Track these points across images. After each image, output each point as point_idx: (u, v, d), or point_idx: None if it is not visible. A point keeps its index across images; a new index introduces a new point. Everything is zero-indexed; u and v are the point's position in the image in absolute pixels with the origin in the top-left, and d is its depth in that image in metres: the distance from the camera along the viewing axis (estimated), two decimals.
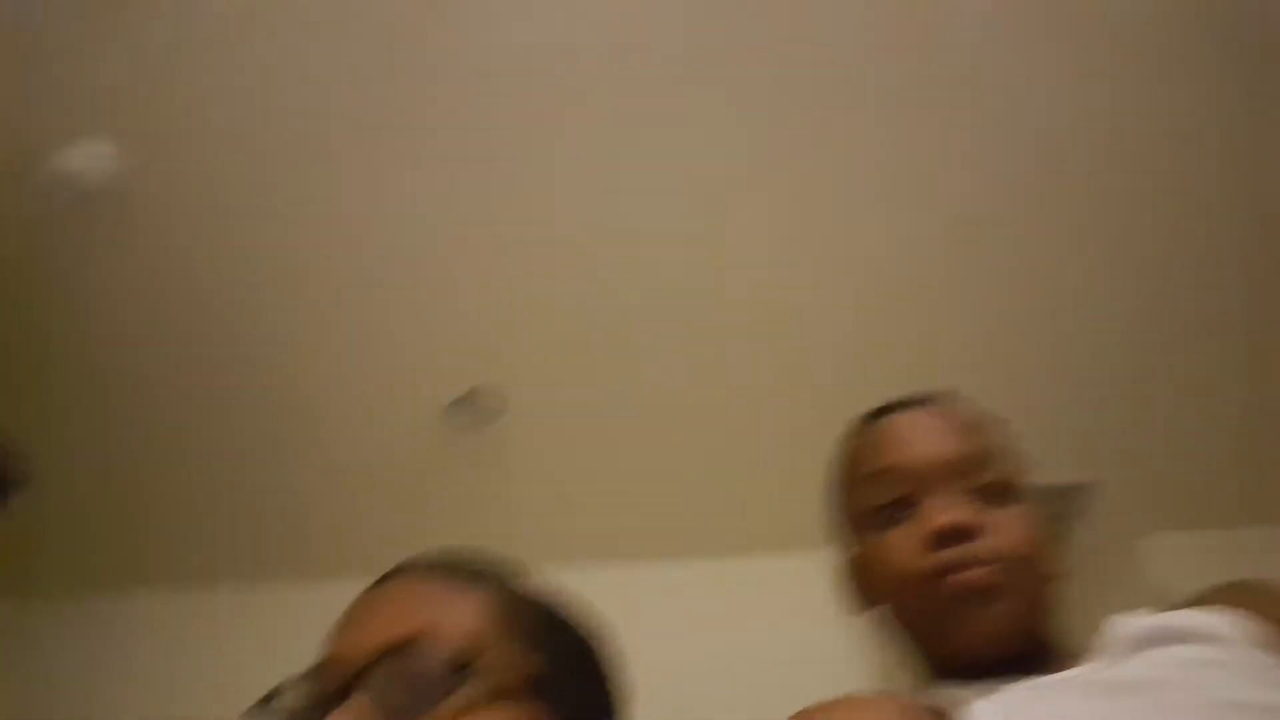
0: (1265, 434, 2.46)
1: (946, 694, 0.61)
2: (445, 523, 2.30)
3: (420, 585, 0.57)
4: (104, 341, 1.82)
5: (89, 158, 1.53)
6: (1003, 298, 2.12)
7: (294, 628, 2.10)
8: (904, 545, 0.66)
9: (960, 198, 1.94)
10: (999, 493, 0.67)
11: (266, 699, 0.54)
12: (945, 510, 0.65)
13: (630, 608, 2.23)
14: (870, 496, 0.70)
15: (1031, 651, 0.63)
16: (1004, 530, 0.65)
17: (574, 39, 1.59)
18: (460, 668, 0.50)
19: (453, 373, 2.04)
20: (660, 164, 1.78)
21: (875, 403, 0.80)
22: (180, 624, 2.16)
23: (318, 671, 0.53)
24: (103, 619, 2.13)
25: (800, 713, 0.63)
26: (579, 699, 0.56)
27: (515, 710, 0.51)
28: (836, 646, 2.28)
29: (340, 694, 0.50)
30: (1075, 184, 1.93)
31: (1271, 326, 2.21)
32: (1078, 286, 2.09)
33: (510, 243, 1.84)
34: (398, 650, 0.51)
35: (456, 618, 0.53)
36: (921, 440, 0.70)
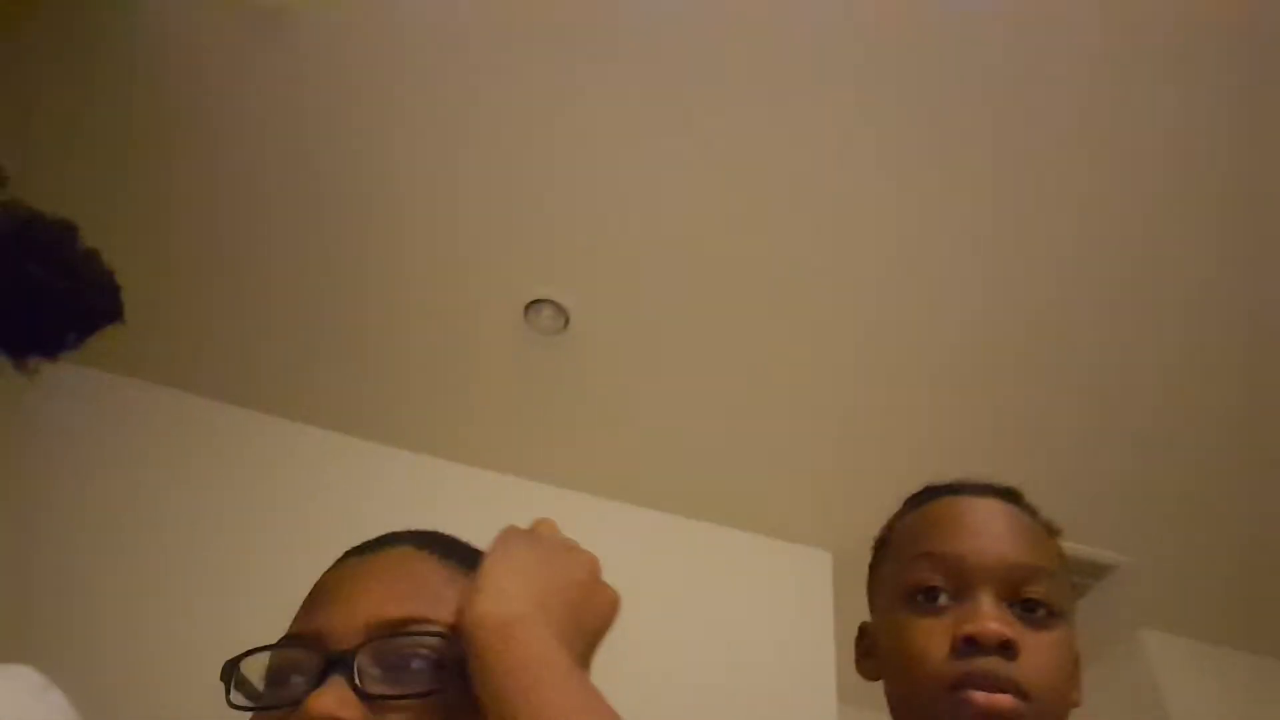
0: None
1: None
2: (507, 419, 2.41)
3: (415, 564, 0.53)
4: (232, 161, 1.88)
5: None
6: (1074, 386, 2.09)
7: (338, 479, 2.29)
8: (933, 637, 0.64)
9: (1058, 281, 1.91)
10: (1043, 613, 0.65)
11: (232, 665, 0.51)
12: (987, 617, 0.63)
13: (635, 552, 2.33)
14: (913, 575, 0.68)
15: None
16: (1040, 656, 0.63)
17: None
18: (453, 658, 0.48)
19: (532, 282, 2.09)
20: (792, 133, 1.75)
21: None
22: (227, 440, 2.29)
23: (294, 642, 0.50)
24: (149, 406, 2.26)
25: None
26: None
27: None
28: (807, 644, 2.34)
29: (319, 671, 0.46)
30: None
31: None
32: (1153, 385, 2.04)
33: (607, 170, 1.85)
34: (388, 633, 0.48)
35: (451, 606, 0.50)
36: (983, 534, 0.68)
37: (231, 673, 0.51)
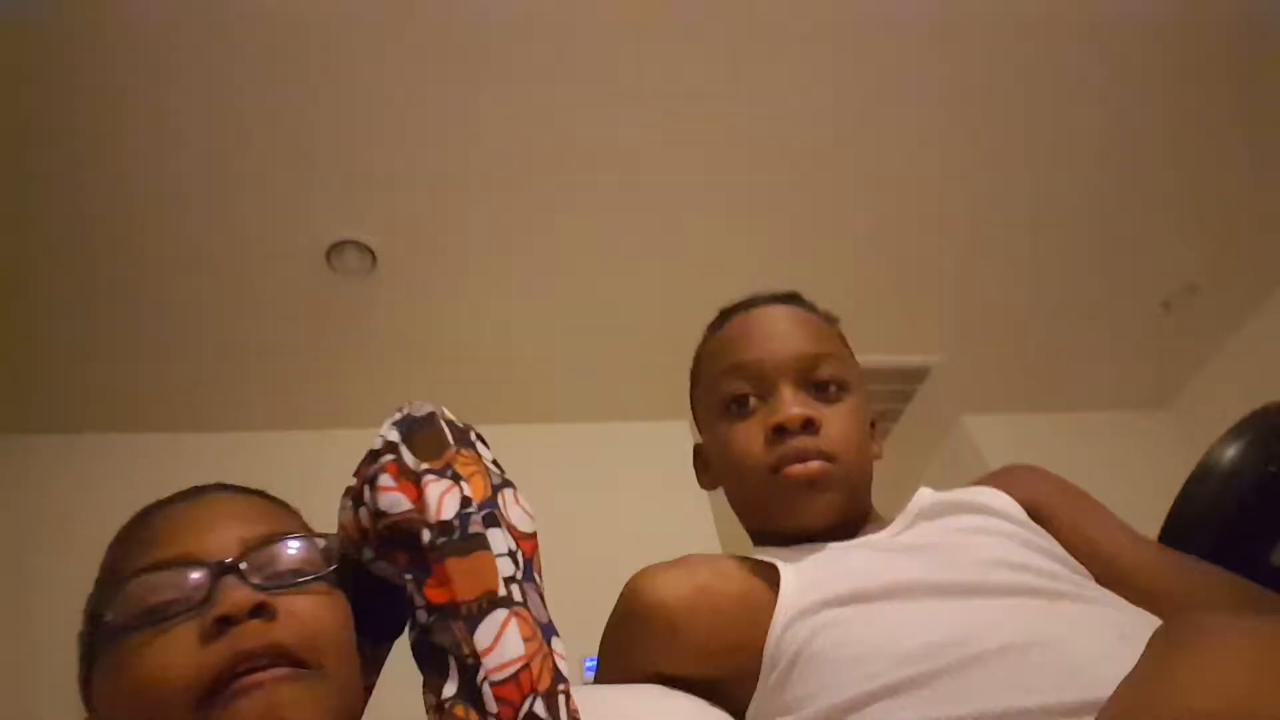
0: (1074, 324, 2.74)
1: (767, 553, 0.71)
2: (324, 370, 2.31)
3: (239, 501, 0.58)
4: None
5: None
6: (860, 183, 2.21)
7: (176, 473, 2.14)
8: (750, 436, 0.73)
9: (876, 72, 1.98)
10: (834, 389, 0.75)
11: (94, 616, 0.52)
12: (789, 405, 0.72)
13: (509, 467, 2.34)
14: (723, 388, 0.77)
15: (846, 523, 0.74)
16: (836, 425, 0.73)
17: None
18: (319, 555, 0.55)
19: (333, 224, 2.00)
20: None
21: (737, 289, 0.86)
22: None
23: (167, 564, 0.52)
24: None
25: (643, 570, 0.72)
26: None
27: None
28: (688, 510, 2.46)
29: (210, 579, 0.50)
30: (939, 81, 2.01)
31: (1109, 219, 2.42)
32: (927, 175, 2.21)
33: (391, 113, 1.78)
34: (259, 545, 0.53)
35: (288, 524, 0.57)
36: (773, 337, 0.77)
37: (97, 622, 0.51)
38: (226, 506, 0.57)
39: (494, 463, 0.62)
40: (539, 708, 0.49)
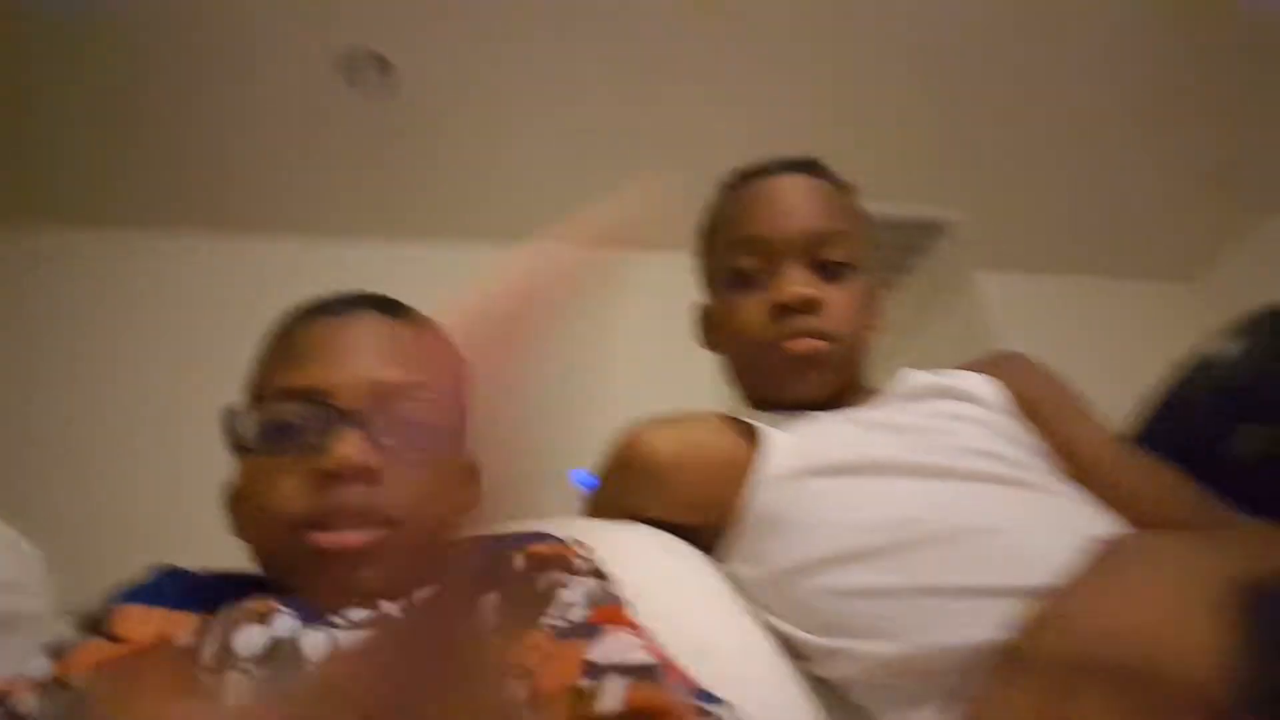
0: (1106, 190, 2.67)
1: (758, 418, 0.76)
2: (343, 179, 2.30)
3: (390, 330, 0.57)
4: None
5: None
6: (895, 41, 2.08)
7: (193, 275, 2.21)
8: (753, 311, 0.75)
9: None
10: (841, 270, 0.76)
11: (231, 413, 0.54)
12: (791, 284, 0.73)
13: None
14: (730, 261, 0.78)
15: (838, 396, 0.77)
16: (838, 305, 0.74)
17: None
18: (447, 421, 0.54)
19: (348, 31, 1.91)
20: None
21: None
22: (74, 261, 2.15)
23: (296, 395, 0.52)
24: None
25: (639, 426, 0.76)
26: None
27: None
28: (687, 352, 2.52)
29: (331, 424, 0.50)
30: None
31: (1129, 95, 2.30)
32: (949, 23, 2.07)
33: None
34: (390, 394, 0.52)
35: (449, 376, 0.54)
36: (784, 211, 0.77)
37: (233, 420, 0.54)
38: (369, 334, 0.56)
39: None
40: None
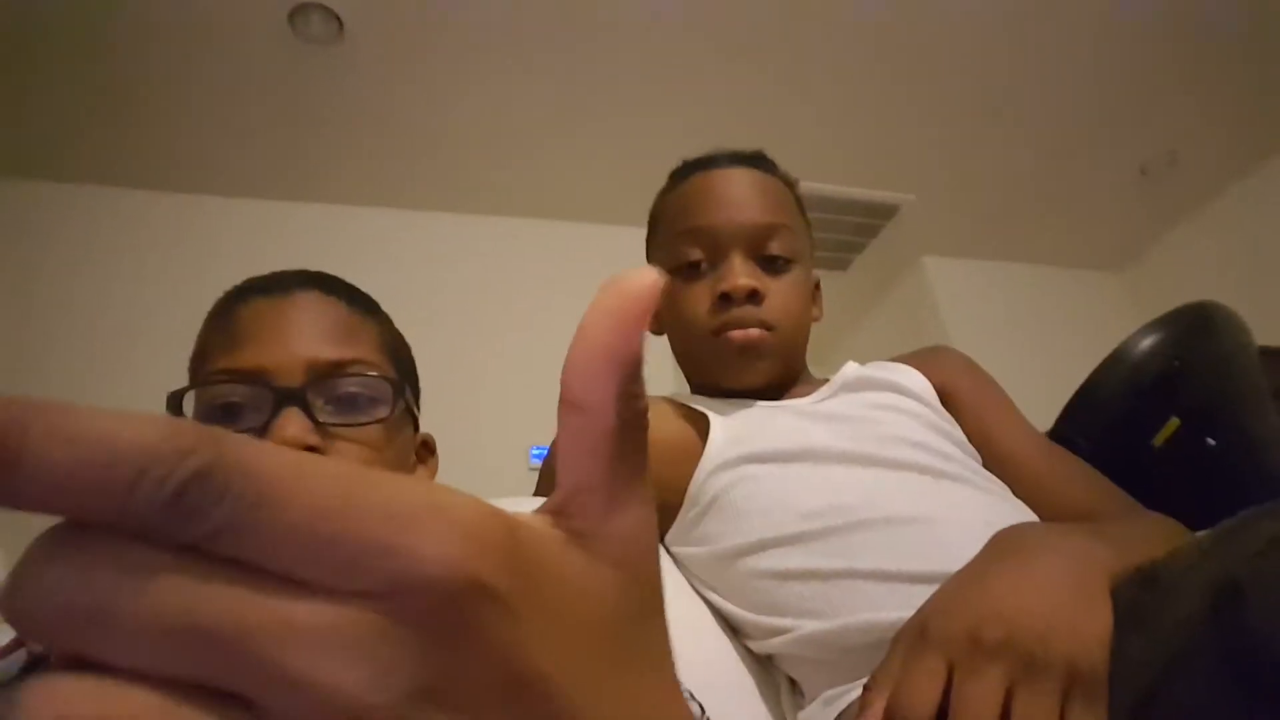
0: (1046, 182, 2.75)
1: (701, 403, 0.78)
2: (292, 136, 2.25)
3: (330, 309, 0.57)
4: None
5: None
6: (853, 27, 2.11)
7: (140, 232, 2.15)
8: (698, 299, 0.77)
9: None
10: (782, 262, 0.78)
11: (176, 397, 0.54)
12: (736, 275, 0.75)
13: (445, 255, 2.35)
14: (677, 251, 0.80)
15: (779, 384, 0.80)
16: (779, 296, 0.77)
17: None
18: (384, 394, 0.55)
19: None
20: None
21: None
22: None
23: (236, 377, 0.53)
24: None
25: None
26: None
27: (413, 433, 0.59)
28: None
29: (272, 405, 0.51)
30: None
31: (1088, 84, 2.37)
32: (909, 20, 2.11)
33: None
34: (329, 372, 0.53)
35: (368, 348, 0.56)
36: (729, 204, 0.79)
37: (178, 404, 0.54)
38: (308, 313, 0.56)
39: None
40: None
